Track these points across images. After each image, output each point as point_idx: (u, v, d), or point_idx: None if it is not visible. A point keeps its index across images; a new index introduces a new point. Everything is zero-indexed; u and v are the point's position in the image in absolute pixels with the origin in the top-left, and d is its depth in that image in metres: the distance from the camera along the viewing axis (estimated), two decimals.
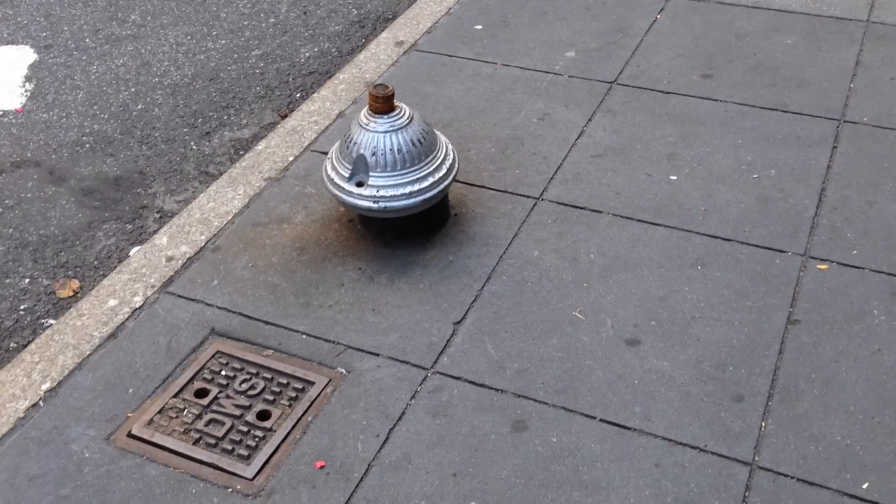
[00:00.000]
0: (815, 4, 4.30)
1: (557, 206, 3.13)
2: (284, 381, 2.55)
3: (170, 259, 2.99)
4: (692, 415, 2.38)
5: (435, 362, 2.58)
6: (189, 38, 4.42)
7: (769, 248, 2.90)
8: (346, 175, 2.86)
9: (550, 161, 3.35)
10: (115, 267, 3.05)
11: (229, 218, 3.16)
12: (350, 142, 2.85)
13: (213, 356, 2.63)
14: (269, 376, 2.57)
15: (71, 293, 3.00)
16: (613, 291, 2.77)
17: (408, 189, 2.83)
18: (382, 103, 2.81)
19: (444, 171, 2.91)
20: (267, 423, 2.44)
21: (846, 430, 2.31)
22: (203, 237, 3.07)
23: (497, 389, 2.49)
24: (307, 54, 4.32)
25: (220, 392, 2.53)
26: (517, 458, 2.30)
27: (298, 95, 4.02)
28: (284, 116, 3.89)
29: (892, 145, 3.33)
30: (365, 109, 2.88)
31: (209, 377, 2.57)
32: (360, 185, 2.86)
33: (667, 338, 2.61)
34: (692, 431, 2.34)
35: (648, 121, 3.54)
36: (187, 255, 2.99)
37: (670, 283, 2.79)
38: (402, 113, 2.86)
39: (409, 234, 3.01)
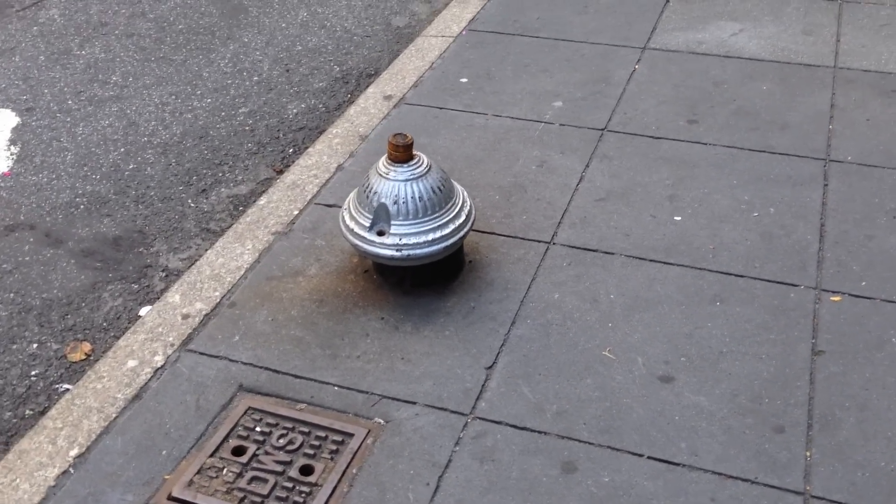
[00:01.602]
0: (783, 53, 4.49)
1: (570, 250, 3.17)
2: (322, 434, 2.51)
3: (186, 317, 2.93)
4: (737, 448, 2.41)
5: (473, 408, 2.56)
6: (174, 97, 4.40)
7: (782, 283, 2.98)
8: (367, 224, 2.86)
9: (555, 206, 3.40)
10: (128, 327, 2.98)
11: (241, 273, 3.12)
12: (370, 191, 2.86)
13: (245, 412, 2.58)
14: (305, 430, 2.52)
15: (83, 356, 2.91)
16: (639, 330, 2.81)
17: (430, 236, 2.84)
18: (403, 152, 2.84)
19: (462, 217, 2.93)
20: (311, 478, 2.39)
21: (889, 456, 2.37)
22: (217, 293, 3.03)
23: (540, 432, 2.48)
24: (294, 111, 4.34)
25: (258, 449, 2.47)
26: (572, 499, 2.29)
27: (291, 151, 4.02)
28: (280, 172, 3.88)
29: (879, 182, 3.47)
30: (383, 159, 2.89)
31: (244, 434, 2.52)
32: (381, 234, 2.86)
33: (699, 373, 2.65)
34: (740, 464, 2.36)
35: (644, 165, 3.63)
36: (203, 312, 2.94)
37: (693, 320, 2.84)
38: (421, 161, 2.88)
39: (427, 282, 3.01)
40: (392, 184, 2.83)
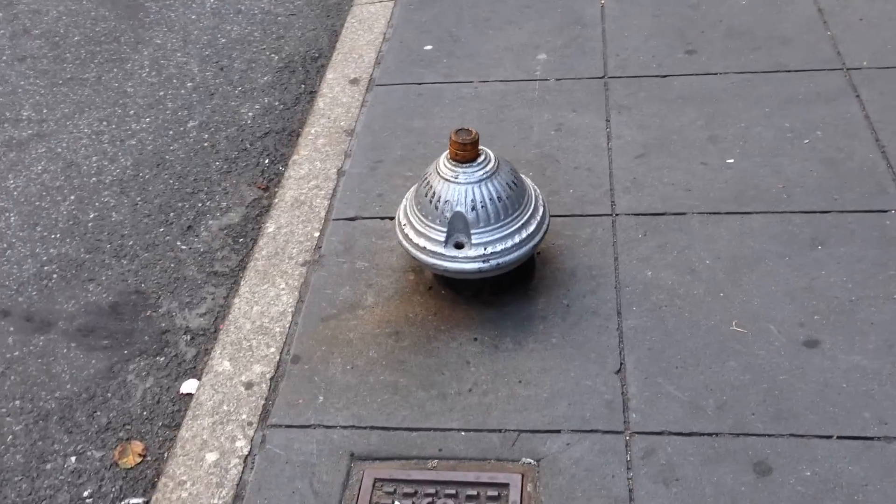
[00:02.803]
0: None
1: (637, 218, 2.90)
2: (474, 491, 2.17)
3: (248, 385, 2.50)
4: None
5: (626, 422, 2.28)
6: (105, 123, 3.80)
7: (870, 211, 2.82)
8: (442, 239, 2.49)
9: (597, 172, 3.11)
10: (179, 412, 2.52)
11: (289, 319, 2.69)
12: (437, 200, 2.48)
13: (373, 486, 2.20)
14: (452, 491, 2.18)
15: (139, 458, 2.44)
16: (754, 294, 2.58)
17: (516, 238, 2.50)
18: (471, 150, 2.47)
19: (541, 209, 2.60)
20: None
21: None
22: (272, 349, 2.60)
23: (711, 434, 2.23)
24: (250, 114, 3.83)
25: None
26: None
27: (268, 161, 3.54)
28: (265, 189, 3.41)
29: None
30: (444, 161, 2.51)
31: None
32: (458, 246, 2.50)
33: (840, 329, 2.45)
34: None
35: (666, 109, 3.38)
36: (268, 376, 2.51)
37: (804, 271, 2.63)
38: (489, 157, 2.52)
39: (506, 288, 2.68)
40: (464, 188, 2.46)
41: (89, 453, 2.47)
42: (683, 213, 2.90)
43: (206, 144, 3.66)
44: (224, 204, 3.34)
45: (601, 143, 3.25)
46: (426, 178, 2.55)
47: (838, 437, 2.18)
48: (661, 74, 3.58)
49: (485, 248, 2.47)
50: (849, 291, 2.56)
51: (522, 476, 2.19)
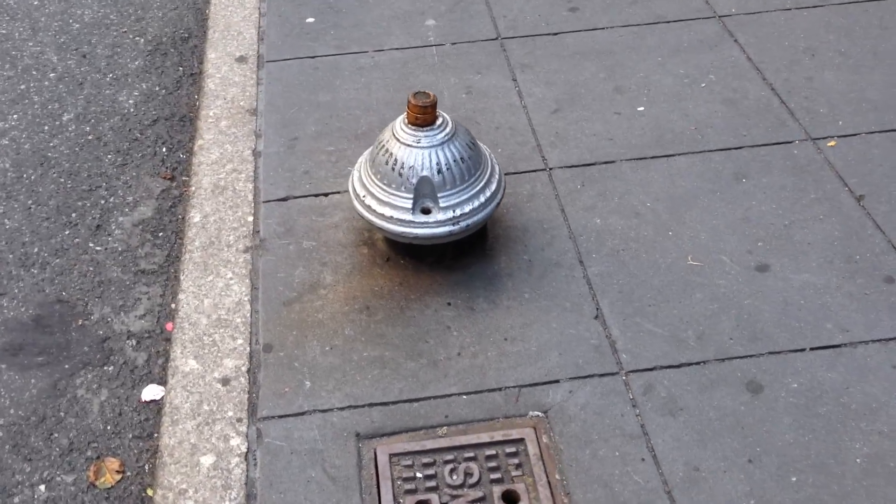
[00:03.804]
0: None
1: (571, 170, 2.98)
2: (492, 451, 2.18)
3: (225, 381, 2.36)
4: (873, 312, 2.45)
5: (618, 363, 2.36)
6: None
7: (778, 143, 3.04)
8: (409, 206, 2.45)
9: (520, 130, 3.16)
10: (150, 421, 2.35)
11: (247, 308, 2.56)
12: (402, 167, 2.44)
13: (390, 462, 2.16)
14: (471, 454, 2.18)
15: (118, 476, 2.25)
16: (699, 229, 2.73)
17: (481, 198, 2.51)
18: (430, 112, 2.44)
19: (497, 168, 2.62)
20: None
21: None
22: (239, 341, 2.47)
23: (698, 363, 2.35)
24: (130, 101, 3.58)
25: (439, 497, 2.09)
26: (783, 416, 2.21)
27: (165, 150, 3.32)
28: (171, 178, 3.21)
29: (776, 27, 3.62)
30: (402, 127, 2.47)
31: (411, 487, 2.11)
32: (425, 211, 2.48)
33: (784, 252, 2.64)
34: (886, 326, 2.41)
35: (566, 65, 3.47)
36: (243, 369, 2.39)
37: (736, 203, 2.81)
38: (445, 119, 2.50)
39: (466, 251, 2.68)
40: (427, 151, 2.44)
41: (59, 478, 2.25)
42: (613, 161, 3.00)
43: (90, 137, 3.38)
44: (130, 198, 3.11)
45: (514, 101, 3.30)
46: (383, 146, 2.49)
47: (811, 349, 2.37)
48: (552, 32, 3.67)
49: (454, 211, 2.46)
50: (781, 217, 2.76)
51: (535, 429, 2.22)
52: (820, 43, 3.50)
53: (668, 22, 3.69)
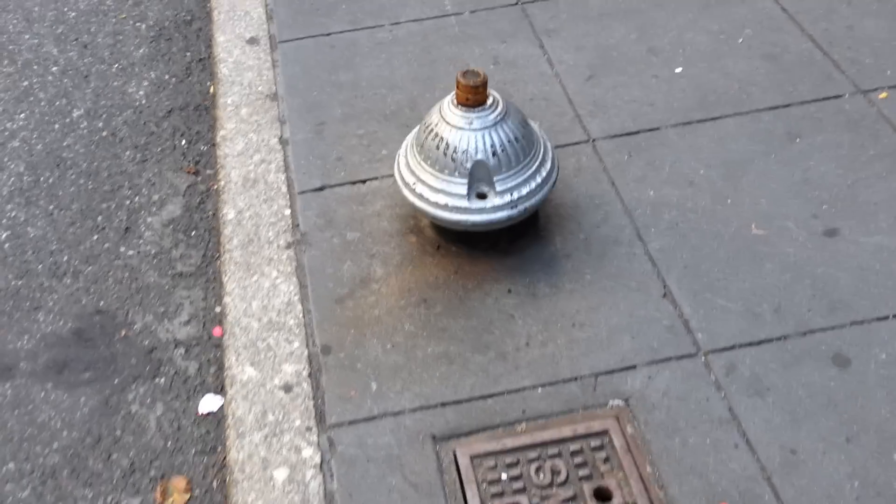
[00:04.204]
0: None
1: (615, 140, 2.86)
2: (576, 446, 2.09)
3: (287, 388, 2.25)
4: None
5: (695, 343, 2.27)
6: None
7: (828, 98, 2.93)
8: (464, 192, 2.33)
9: (555, 101, 3.03)
10: (212, 435, 2.25)
11: (298, 308, 2.45)
12: (455, 152, 2.31)
13: (472, 464, 2.07)
14: (555, 451, 2.08)
15: (186, 496, 2.15)
16: (759, 195, 2.63)
17: (538, 179, 2.39)
18: (482, 92, 2.31)
19: (549, 146, 2.50)
20: (616, 502, 1.99)
21: None
22: (295, 344, 2.36)
23: (779, 338, 2.26)
24: (141, 92, 3.41)
25: (528, 499, 2.00)
26: (876, 390, 2.13)
27: (185, 143, 3.18)
28: (196, 172, 3.07)
29: None
30: (451, 108, 2.34)
31: (497, 490, 2.02)
32: (481, 196, 2.36)
33: (851, 214, 2.55)
34: None
35: (594, 28, 3.34)
36: (304, 374, 2.28)
37: (794, 165, 2.71)
38: (496, 98, 2.37)
39: (519, 234, 2.57)
40: (481, 133, 2.31)
41: (124, 503, 2.14)
42: (657, 129, 2.88)
43: (104, 134, 3.22)
44: (156, 197, 2.97)
45: (545, 70, 3.16)
46: (432, 130, 2.36)
47: (894, 316, 2.28)
48: None
49: (511, 194, 2.34)
50: (842, 177, 2.66)
51: (617, 419, 2.13)
52: None
53: None
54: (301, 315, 2.42)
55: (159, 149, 3.16)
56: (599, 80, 3.08)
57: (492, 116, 2.32)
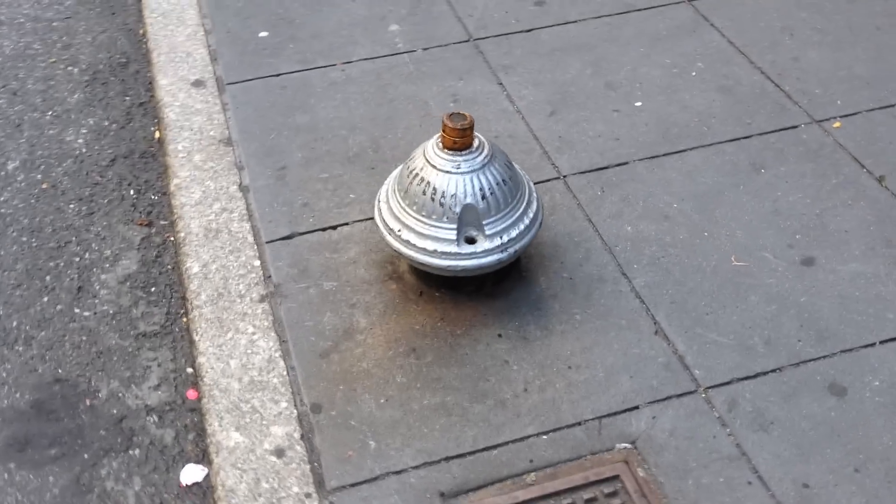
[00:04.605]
0: None
1: (586, 176, 2.85)
2: (590, 494, 2.04)
3: (279, 453, 2.13)
4: None
5: (693, 380, 2.25)
6: None
7: (785, 129, 3.00)
8: (453, 237, 2.27)
9: (520, 137, 3.01)
10: None
11: (281, 365, 2.33)
12: (443, 197, 2.25)
13: None
14: (569, 501, 2.03)
15: None
16: (734, 226, 2.65)
17: (525, 221, 2.35)
18: (469, 135, 2.26)
19: (532, 186, 2.46)
20: None
21: None
22: (282, 404, 2.24)
23: (775, 370, 2.27)
24: (80, 141, 3.24)
25: None
26: (875, 418, 2.15)
27: (133, 192, 3.02)
28: (148, 224, 2.91)
29: (748, 8, 3.58)
30: (436, 152, 2.29)
31: None
32: (470, 241, 2.30)
33: (824, 242, 2.60)
34: None
35: (549, 63, 3.34)
36: (296, 436, 2.17)
37: (763, 195, 2.75)
38: (481, 140, 2.33)
39: (503, 276, 2.52)
40: (469, 177, 2.26)
41: None
42: (626, 163, 2.89)
43: (44, 187, 3.03)
44: (107, 252, 2.80)
45: (507, 107, 3.14)
46: (417, 175, 2.29)
47: (880, 343, 2.32)
48: (524, 29, 3.52)
49: (500, 238, 2.29)
50: (810, 206, 2.71)
51: (626, 463, 2.09)
52: (795, 21, 3.48)
53: (640, 10, 3.60)
54: (285, 372, 2.31)
55: (106, 200, 2.99)
56: (562, 116, 3.08)
57: (479, 159, 2.27)
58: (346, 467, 2.09)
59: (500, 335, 2.37)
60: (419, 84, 3.26)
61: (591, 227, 2.67)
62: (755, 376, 2.25)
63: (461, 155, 2.25)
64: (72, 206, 2.96)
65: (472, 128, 2.24)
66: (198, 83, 3.34)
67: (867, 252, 2.55)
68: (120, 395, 2.38)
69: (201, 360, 2.36)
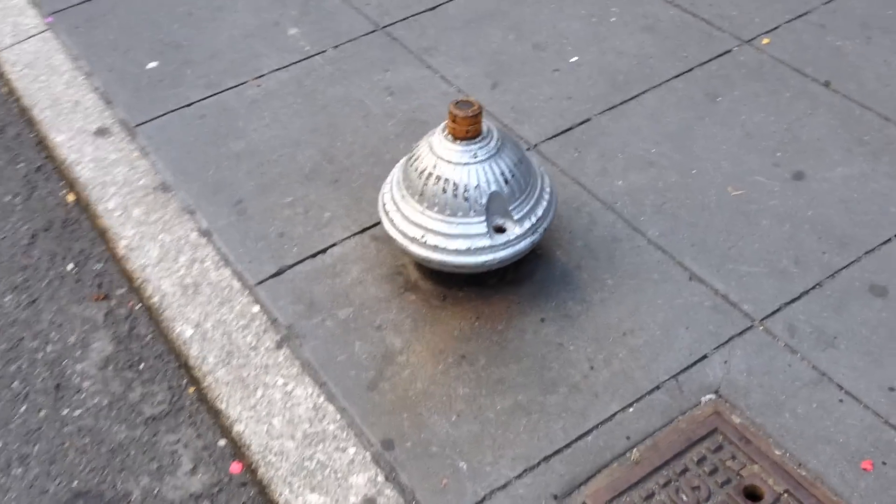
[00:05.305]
0: None
1: (556, 140, 2.79)
2: (698, 455, 2.00)
3: (371, 502, 1.96)
4: None
5: (746, 315, 2.25)
6: None
7: (720, 55, 3.05)
8: (484, 230, 2.15)
9: None
10: None
11: (330, 410, 2.14)
12: (466, 190, 2.12)
13: None
14: (681, 467, 1.98)
15: None
16: (717, 158, 2.67)
17: (546, 196, 2.27)
18: (480, 121, 2.14)
19: (538, 161, 2.37)
20: (767, 495, 1.92)
21: None
22: (351, 451, 2.06)
23: (815, 287, 2.30)
24: None
25: None
26: None
27: (72, 266, 2.69)
28: (105, 297, 2.61)
29: None
30: (448, 146, 2.15)
31: None
32: (499, 230, 2.19)
33: (804, 155, 2.66)
34: None
35: (469, 36, 3.25)
36: (380, 479, 2.00)
37: (729, 122, 2.78)
38: (489, 126, 2.21)
39: (521, 260, 2.41)
40: (488, 164, 2.14)
41: None
42: (588, 119, 2.85)
43: None
44: (71, 339, 2.48)
45: (446, 89, 3.02)
46: (429, 174, 2.15)
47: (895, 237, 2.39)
48: (428, 8, 3.41)
49: (530, 219, 2.19)
50: (777, 123, 2.76)
51: (718, 413, 2.06)
52: None
53: None
54: (338, 416, 2.12)
55: (44, 283, 2.64)
56: (506, 86, 2.99)
57: (493, 143, 2.15)
58: (446, 497, 1.94)
59: (542, 319, 2.27)
60: (346, 83, 3.07)
61: (583, 189, 2.60)
62: (800, 297, 2.27)
63: (475, 143, 2.13)
64: (7, 298, 2.60)
65: (481, 113, 2.11)
66: (101, 132, 3.01)
67: (847, 154, 2.63)
68: (156, 490, 2.11)
69: (238, 427, 2.13)
